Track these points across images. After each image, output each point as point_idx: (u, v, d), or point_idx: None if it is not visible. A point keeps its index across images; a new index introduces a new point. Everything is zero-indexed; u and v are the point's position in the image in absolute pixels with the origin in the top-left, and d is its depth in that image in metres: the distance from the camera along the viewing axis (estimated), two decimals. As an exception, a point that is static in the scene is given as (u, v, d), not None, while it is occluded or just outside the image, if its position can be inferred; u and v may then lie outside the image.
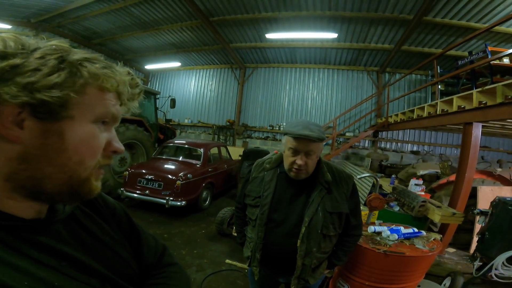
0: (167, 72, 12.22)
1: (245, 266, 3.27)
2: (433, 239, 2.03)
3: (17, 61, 0.41)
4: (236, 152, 7.98)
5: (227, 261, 3.39)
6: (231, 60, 10.38)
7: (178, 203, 4.67)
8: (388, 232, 2.00)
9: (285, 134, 1.43)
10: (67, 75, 0.44)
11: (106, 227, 0.64)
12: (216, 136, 10.85)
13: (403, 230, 2.11)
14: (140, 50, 10.43)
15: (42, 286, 0.43)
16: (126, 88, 0.53)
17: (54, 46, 0.46)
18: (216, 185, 5.96)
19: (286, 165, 1.45)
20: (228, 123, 10.83)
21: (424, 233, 2.12)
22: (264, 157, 1.66)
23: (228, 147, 7.59)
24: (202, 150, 5.74)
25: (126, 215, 0.72)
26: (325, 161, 1.54)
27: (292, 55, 9.71)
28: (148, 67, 11.68)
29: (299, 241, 1.41)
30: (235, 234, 3.77)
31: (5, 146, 0.42)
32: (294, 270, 1.45)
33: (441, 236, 2.13)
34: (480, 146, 9.03)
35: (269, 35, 7.95)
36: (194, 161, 5.60)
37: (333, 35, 7.62)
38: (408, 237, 2.04)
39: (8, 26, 7.73)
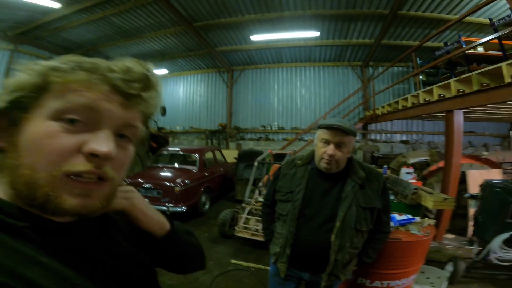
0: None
1: (252, 264, 3.37)
2: (427, 224, 2.17)
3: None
4: (230, 155, 8.06)
5: (233, 261, 3.48)
6: (218, 63, 10.45)
7: (179, 209, 4.73)
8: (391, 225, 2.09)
9: (318, 128, 1.50)
10: (23, 80, 0.44)
11: (125, 230, 0.63)
12: (209, 141, 10.89)
13: (398, 217, 2.24)
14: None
15: (67, 285, 0.42)
16: (103, 75, 0.46)
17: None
18: (214, 189, 6.03)
19: (317, 157, 1.50)
20: (220, 127, 10.89)
21: (418, 219, 2.26)
22: (294, 156, 1.75)
23: (223, 150, 7.68)
24: (197, 155, 5.81)
25: None
26: (355, 159, 1.59)
27: (278, 55, 9.85)
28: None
29: (333, 235, 1.42)
30: (239, 235, 3.89)
31: (2, 155, 0.45)
32: (323, 266, 1.46)
33: (435, 221, 2.27)
34: (465, 132, 9.41)
35: (254, 37, 8.06)
36: (190, 167, 5.66)
37: (315, 34, 7.81)
38: (403, 223, 2.17)
39: None
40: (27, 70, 0.45)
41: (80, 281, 0.44)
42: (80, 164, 0.43)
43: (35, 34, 8.18)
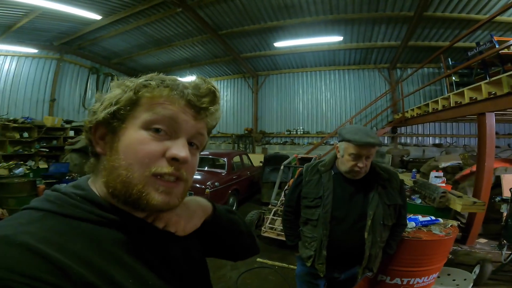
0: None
1: (276, 263, 3.51)
2: (450, 226, 2.18)
3: (106, 95, 0.55)
4: (256, 158, 8.26)
5: (258, 259, 3.62)
6: (243, 69, 10.76)
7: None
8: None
9: (346, 141, 1.54)
10: (119, 96, 0.52)
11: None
12: (235, 145, 11.19)
13: (421, 218, 2.27)
14: (156, 67, 10.93)
15: (141, 284, 0.48)
16: (182, 92, 0.54)
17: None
18: (241, 191, 6.25)
19: (345, 168, 1.58)
20: (246, 132, 11.16)
21: (441, 220, 2.28)
22: (312, 162, 1.81)
23: (249, 154, 7.89)
24: (225, 159, 6.06)
25: None
26: (373, 161, 1.66)
27: (302, 60, 9.94)
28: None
29: (366, 233, 1.54)
30: (265, 235, 4.03)
31: (102, 159, 0.54)
32: (356, 262, 1.60)
33: (459, 222, 2.27)
34: (504, 134, 8.81)
35: (277, 44, 8.25)
36: (219, 170, 5.93)
37: (338, 38, 7.83)
38: (425, 224, 2.20)
39: (34, 50, 8.36)
40: (122, 87, 0.54)
41: (154, 281, 0.51)
42: (164, 167, 0.51)
43: (77, 44, 8.99)
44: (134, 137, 0.51)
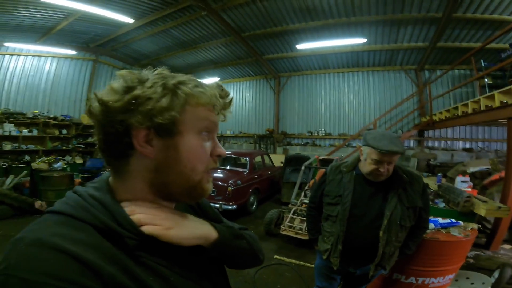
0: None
1: (294, 261, 3.59)
2: (470, 228, 2.17)
3: (137, 92, 0.52)
4: (277, 159, 8.36)
5: (276, 256, 3.73)
6: (265, 71, 10.90)
7: (230, 207, 5.16)
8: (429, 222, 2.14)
9: (369, 146, 1.59)
10: (170, 99, 0.54)
11: None
12: (257, 145, 11.35)
13: (441, 220, 2.27)
14: (183, 68, 11.38)
15: (161, 281, 0.53)
16: (218, 100, 0.60)
17: (157, 75, 0.57)
18: (261, 191, 6.39)
19: (366, 170, 1.64)
20: (267, 132, 11.28)
21: (461, 223, 2.26)
22: (337, 162, 1.91)
23: (270, 155, 8.00)
24: (247, 158, 6.22)
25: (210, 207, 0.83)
26: (396, 164, 1.69)
27: (324, 61, 9.91)
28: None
29: (381, 232, 1.60)
30: (283, 233, 4.12)
31: (144, 161, 0.55)
32: (370, 258, 1.66)
33: (479, 225, 2.24)
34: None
35: (300, 46, 8.28)
36: (241, 169, 6.09)
37: (362, 40, 7.72)
38: (445, 226, 2.20)
39: (73, 52, 8.98)
40: (161, 87, 0.54)
41: (175, 277, 0.56)
42: (213, 163, 0.62)
43: (111, 45, 9.58)
44: (195, 143, 0.58)
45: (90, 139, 9.04)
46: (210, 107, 0.59)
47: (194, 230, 0.62)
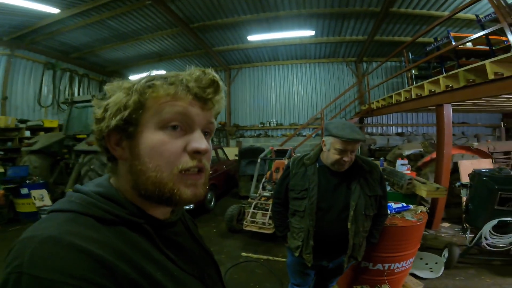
0: (152, 80, 12.30)
1: (261, 256, 3.62)
2: (420, 211, 2.42)
3: (108, 101, 0.54)
4: (231, 152, 8.29)
5: (243, 254, 3.72)
6: (215, 63, 10.58)
7: (187, 207, 4.95)
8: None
9: (332, 136, 1.60)
10: (125, 101, 0.52)
11: (193, 226, 0.74)
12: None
13: (394, 205, 2.48)
14: (122, 61, 10.43)
15: (167, 277, 0.51)
16: (187, 86, 0.54)
17: (135, 80, 0.56)
18: (218, 186, 6.28)
19: (330, 161, 1.65)
20: (219, 125, 11.07)
21: (411, 206, 2.51)
22: (300, 155, 1.88)
23: (224, 148, 7.89)
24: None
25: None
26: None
27: (274, 53, 10.03)
28: (132, 77, 11.61)
29: (349, 223, 1.62)
30: (247, 229, 4.11)
31: (124, 163, 0.55)
32: (341, 251, 1.68)
33: (427, 208, 2.52)
34: (458, 123, 9.68)
35: (251, 37, 8.23)
36: (194, 166, 5.85)
37: (311, 33, 8.02)
38: (398, 211, 2.42)
39: None
40: (124, 90, 0.54)
41: (178, 272, 0.54)
42: (188, 161, 0.53)
43: (30, 38, 8.18)
44: (155, 139, 0.52)
45: (9, 144, 7.70)
46: (177, 97, 0.54)
47: None
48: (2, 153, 7.62)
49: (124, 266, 0.44)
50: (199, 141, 0.54)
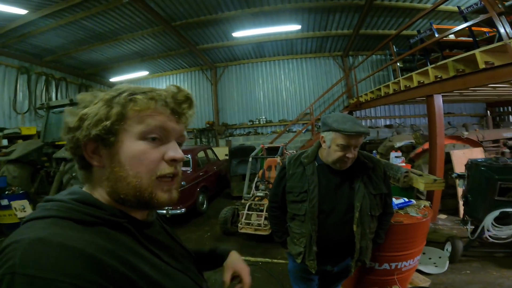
0: (135, 82, 11.74)
1: (259, 259, 3.49)
2: (424, 206, 2.33)
3: (84, 110, 0.56)
4: (221, 152, 8.11)
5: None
6: (200, 62, 10.35)
7: (178, 211, 4.76)
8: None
9: (333, 130, 1.45)
10: (105, 111, 0.55)
11: (168, 228, 0.78)
12: (198, 140, 10.87)
13: (396, 201, 2.37)
14: (101, 63, 9.97)
15: (155, 270, 0.54)
16: (166, 102, 0.59)
17: (112, 91, 0.59)
18: (210, 187, 6.10)
19: (331, 158, 1.49)
20: (208, 125, 10.85)
21: (414, 201, 2.43)
22: (296, 153, 1.72)
23: (213, 148, 7.70)
24: (189, 156, 5.79)
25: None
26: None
27: (260, 50, 9.88)
28: (114, 79, 11.14)
29: (354, 226, 1.49)
30: (242, 231, 3.97)
31: (101, 171, 0.58)
32: (347, 254, 1.57)
33: (430, 202, 2.43)
34: (444, 113, 9.87)
35: (236, 34, 8.05)
36: (184, 168, 5.62)
37: (297, 27, 7.91)
38: (401, 207, 2.32)
39: None
40: (103, 101, 0.57)
41: (164, 266, 0.58)
42: (166, 168, 0.59)
43: (1, 42, 7.65)
44: (136, 149, 0.57)
45: (-13, 153, 7.25)
46: (156, 111, 0.59)
47: None
48: (-24, 164, 7.16)
49: (114, 262, 0.46)
50: (176, 151, 0.61)
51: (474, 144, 5.14)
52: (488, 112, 9.75)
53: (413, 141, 5.94)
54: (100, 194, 0.59)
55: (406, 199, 2.46)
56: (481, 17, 3.61)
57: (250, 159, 5.46)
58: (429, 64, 5.36)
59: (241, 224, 4.09)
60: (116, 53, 9.25)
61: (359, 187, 1.53)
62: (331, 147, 1.48)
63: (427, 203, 2.36)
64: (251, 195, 4.55)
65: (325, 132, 1.51)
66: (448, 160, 4.53)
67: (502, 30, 3.06)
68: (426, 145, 4.83)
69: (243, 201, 4.51)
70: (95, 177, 0.59)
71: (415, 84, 4.75)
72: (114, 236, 0.52)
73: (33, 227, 0.47)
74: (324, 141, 1.54)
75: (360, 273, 2.15)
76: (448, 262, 2.96)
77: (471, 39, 4.92)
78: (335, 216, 1.54)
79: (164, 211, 4.63)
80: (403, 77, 5.34)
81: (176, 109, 0.61)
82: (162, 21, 7.10)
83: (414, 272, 2.47)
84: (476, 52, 3.27)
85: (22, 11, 5.95)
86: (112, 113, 0.55)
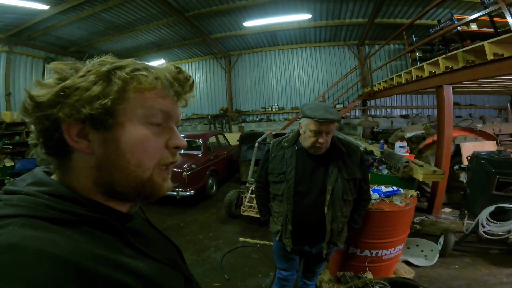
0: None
1: (258, 241, 3.69)
2: (410, 196, 2.36)
3: (66, 83, 0.45)
4: (234, 137, 8.27)
5: (240, 239, 3.79)
6: (214, 50, 10.47)
7: (188, 193, 4.99)
8: (371, 192, 2.11)
9: (306, 117, 1.55)
10: (102, 87, 0.46)
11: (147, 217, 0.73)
12: (212, 125, 11.11)
13: (384, 189, 2.41)
14: (121, 53, 10.28)
15: (148, 268, 0.49)
16: (170, 83, 0.53)
17: (96, 62, 0.50)
18: (219, 172, 6.29)
19: (307, 143, 1.60)
20: (221, 111, 11.08)
21: (402, 190, 2.45)
22: (279, 138, 1.82)
23: (226, 134, 7.86)
24: (201, 140, 5.98)
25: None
26: (334, 135, 1.67)
27: (273, 38, 9.86)
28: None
29: (325, 208, 1.57)
30: (245, 214, 4.18)
31: (86, 157, 0.48)
32: (321, 236, 1.64)
33: (418, 192, 2.45)
34: (466, 105, 9.47)
35: (247, 23, 8.06)
36: (195, 152, 5.84)
37: (307, 16, 7.83)
38: (388, 195, 2.35)
39: None
40: (101, 75, 0.47)
41: (154, 263, 0.53)
42: (169, 157, 0.54)
43: (27, 35, 8.22)
44: (140, 134, 0.49)
45: (17, 138, 7.90)
46: (161, 93, 0.52)
47: None
48: (10, 147, 7.85)
49: (104, 269, 0.40)
50: (179, 138, 0.55)
51: (487, 137, 4.94)
52: (509, 104, 9.24)
53: (423, 131, 5.83)
54: (80, 185, 0.49)
55: (395, 188, 2.47)
56: (495, 6, 3.47)
57: (257, 144, 5.58)
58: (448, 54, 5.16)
59: (244, 207, 4.29)
60: (134, 43, 9.58)
61: (332, 171, 1.62)
62: (305, 133, 1.60)
63: (415, 193, 2.39)
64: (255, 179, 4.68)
65: (302, 119, 1.62)
66: (458, 152, 4.41)
67: (511, 21, 2.96)
68: (436, 137, 4.74)
69: (247, 185, 4.68)
70: (76, 165, 0.49)
71: (426, 74, 4.65)
72: (99, 237, 0.45)
73: (1, 229, 0.38)
74: (301, 127, 1.65)
75: (343, 258, 2.26)
76: (438, 255, 2.92)
77: (493, 30, 4.70)
78: (310, 197, 1.64)
79: (175, 193, 4.92)
80: (414, 67, 5.22)
81: (179, 91, 0.55)
82: (175, 12, 7.25)
83: (397, 262, 2.50)
84: (485, 43, 3.19)
85: (44, 7, 6.31)
86: (111, 90, 0.46)
